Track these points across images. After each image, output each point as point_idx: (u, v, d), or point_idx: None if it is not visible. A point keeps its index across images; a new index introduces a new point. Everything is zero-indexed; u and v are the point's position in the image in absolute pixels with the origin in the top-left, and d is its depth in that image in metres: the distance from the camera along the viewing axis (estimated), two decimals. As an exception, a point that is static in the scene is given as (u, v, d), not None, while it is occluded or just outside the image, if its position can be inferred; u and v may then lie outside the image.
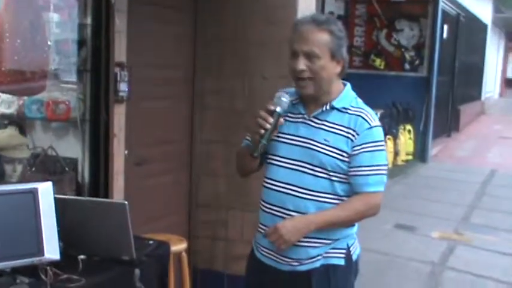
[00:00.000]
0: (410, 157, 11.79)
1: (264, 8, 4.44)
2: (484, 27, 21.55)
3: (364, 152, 2.52)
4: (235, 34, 4.55)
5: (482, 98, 24.06)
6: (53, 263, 2.52)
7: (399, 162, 11.22)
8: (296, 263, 2.60)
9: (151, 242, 3.05)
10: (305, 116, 2.59)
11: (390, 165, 9.81)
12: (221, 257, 4.77)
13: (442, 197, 9.32)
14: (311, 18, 2.54)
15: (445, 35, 13.63)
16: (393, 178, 9.70)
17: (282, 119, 2.50)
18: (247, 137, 2.74)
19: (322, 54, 2.48)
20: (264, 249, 2.67)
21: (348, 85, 2.66)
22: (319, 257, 2.59)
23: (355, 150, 2.52)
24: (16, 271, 2.46)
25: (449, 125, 16.06)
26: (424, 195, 9.43)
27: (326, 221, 2.52)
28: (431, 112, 12.38)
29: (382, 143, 2.59)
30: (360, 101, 2.63)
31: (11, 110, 3.75)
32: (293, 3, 4.32)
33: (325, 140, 2.53)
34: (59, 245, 2.55)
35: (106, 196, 3.54)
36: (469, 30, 17.18)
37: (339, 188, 2.55)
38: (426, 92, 12.25)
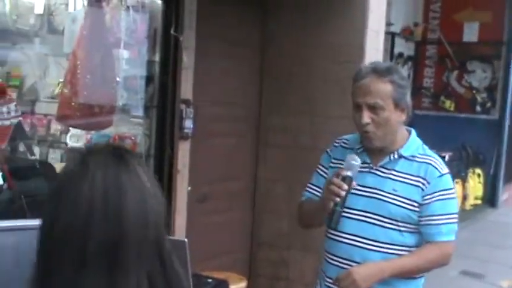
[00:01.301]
0: (479, 202, 11.43)
1: (331, 47, 4.43)
2: (560, 69, 20.90)
3: (435, 200, 2.44)
4: (301, 72, 4.55)
5: (558, 142, 23.24)
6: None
7: (467, 207, 10.87)
8: None
9: (209, 280, 3.03)
10: (371, 165, 2.51)
11: (458, 210, 9.49)
12: (281, 297, 4.70)
13: (513, 244, 8.96)
14: (372, 69, 2.46)
15: (518, 77, 13.28)
16: (461, 223, 9.33)
17: (354, 183, 2.41)
18: (308, 189, 2.69)
19: (386, 106, 2.40)
20: None
21: (413, 132, 2.58)
22: None
23: (426, 199, 2.43)
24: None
25: (521, 169, 15.54)
26: (493, 242, 9.08)
27: (399, 269, 2.44)
28: (502, 155, 12.01)
29: (453, 190, 2.52)
30: (426, 147, 2.55)
31: (79, 144, 3.82)
32: (360, 43, 4.29)
33: (393, 189, 2.45)
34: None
35: (167, 232, 3.53)
36: (544, 72, 16.69)
37: (408, 239, 2.47)
38: (497, 135, 11.92)
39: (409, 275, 2.49)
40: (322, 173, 2.65)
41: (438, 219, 2.44)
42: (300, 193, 2.86)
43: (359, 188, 2.46)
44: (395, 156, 2.48)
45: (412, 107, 2.54)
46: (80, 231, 1.16)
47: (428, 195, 2.43)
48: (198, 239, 3.69)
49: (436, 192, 2.44)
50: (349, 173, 2.38)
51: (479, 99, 12.14)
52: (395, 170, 2.47)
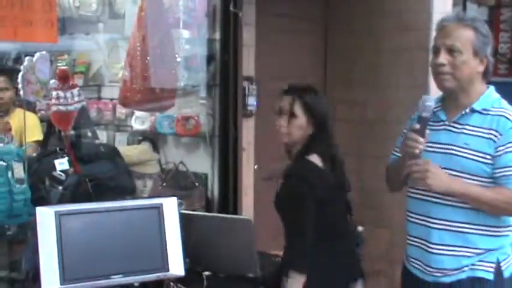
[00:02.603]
0: None
1: (395, 16, 4.29)
2: None
3: (509, 152, 2.37)
4: (366, 43, 4.44)
5: None
6: (178, 279, 2.53)
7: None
8: (439, 274, 2.49)
9: (278, 259, 2.98)
10: (446, 122, 2.50)
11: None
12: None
13: None
14: (456, 15, 2.50)
15: None
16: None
17: (428, 131, 2.39)
18: (395, 152, 2.70)
19: (464, 50, 2.40)
20: (412, 259, 2.61)
21: (491, 87, 2.53)
22: (465, 268, 2.46)
23: (499, 151, 2.38)
24: (143, 286, 2.49)
25: None
26: None
27: (469, 192, 2.40)
28: None
29: None
30: (504, 102, 2.49)
31: (144, 126, 3.85)
32: (427, 9, 4.12)
33: (465, 143, 2.42)
34: (185, 260, 2.55)
35: (235, 212, 3.52)
36: None
37: None
38: None
39: (476, 204, 2.41)
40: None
41: None
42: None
43: (433, 145, 2.46)
44: (468, 110, 2.45)
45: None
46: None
47: (500, 146, 2.38)
48: (267, 217, 3.65)
49: (509, 143, 2.37)
50: (424, 114, 2.39)
51: (558, 62, 11.60)
52: (468, 125, 2.44)
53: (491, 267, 2.46)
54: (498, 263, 2.46)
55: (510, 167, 2.37)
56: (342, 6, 4.56)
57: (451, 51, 2.41)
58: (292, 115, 2.76)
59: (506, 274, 2.48)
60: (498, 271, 2.46)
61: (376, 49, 4.39)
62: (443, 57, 2.42)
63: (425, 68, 4.29)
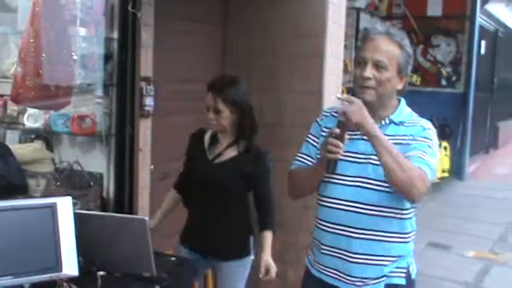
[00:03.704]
0: (446, 174, 11.56)
1: (292, 23, 4.41)
2: (524, 42, 21.11)
3: (414, 143, 2.47)
4: (264, 47, 4.53)
5: (522, 114, 23.53)
6: (72, 279, 2.50)
7: (434, 180, 10.99)
8: (361, 283, 2.56)
9: (173, 258, 3.00)
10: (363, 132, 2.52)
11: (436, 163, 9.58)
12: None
13: (479, 215, 9.08)
14: (385, 30, 2.53)
15: (482, 51, 13.38)
16: (428, 195, 9.47)
17: (347, 135, 2.42)
18: (299, 158, 2.71)
19: (390, 67, 2.47)
20: (328, 269, 2.64)
21: (403, 100, 2.63)
22: (383, 278, 2.56)
23: (410, 145, 2.48)
24: (35, 286, 2.44)
25: (487, 142, 15.74)
26: (460, 214, 9.21)
27: (382, 140, 2.37)
28: (468, 129, 12.15)
29: (434, 142, 2.53)
30: (415, 114, 2.62)
31: (38, 124, 3.74)
32: (321, 16, 4.27)
33: None
34: (79, 260, 2.53)
35: (130, 211, 3.49)
36: (508, 46, 16.86)
37: (401, 201, 2.50)
38: (463, 108, 12.04)
39: (385, 159, 2.36)
40: (312, 142, 2.68)
41: (417, 154, 2.43)
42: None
43: (351, 154, 2.50)
44: (387, 121, 2.54)
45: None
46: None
47: (413, 141, 2.48)
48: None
49: (418, 137, 2.48)
50: (342, 118, 2.40)
51: (444, 73, 12.27)
52: (386, 134, 2.48)
53: (403, 272, 2.58)
54: (408, 267, 2.60)
55: (415, 151, 2.43)
56: (241, 10, 4.63)
57: (377, 66, 2.45)
58: (217, 110, 3.24)
59: (413, 276, 2.63)
60: (408, 275, 2.59)
61: (273, 54, 4.49)
62: (369, 71, 2.45)
63: (320, 75, 4.46)
